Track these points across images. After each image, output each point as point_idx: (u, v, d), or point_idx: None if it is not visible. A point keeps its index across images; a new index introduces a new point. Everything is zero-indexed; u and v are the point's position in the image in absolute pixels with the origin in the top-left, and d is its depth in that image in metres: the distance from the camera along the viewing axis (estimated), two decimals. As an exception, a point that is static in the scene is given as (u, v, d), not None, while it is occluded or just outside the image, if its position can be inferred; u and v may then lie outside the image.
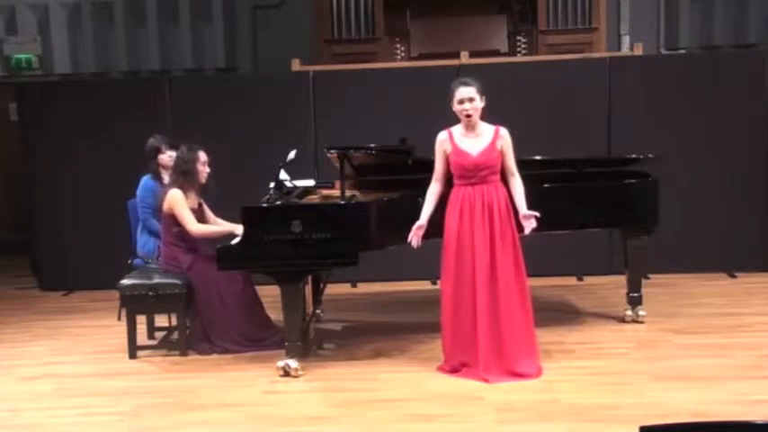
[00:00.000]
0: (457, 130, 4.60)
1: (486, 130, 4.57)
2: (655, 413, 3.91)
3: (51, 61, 9.07)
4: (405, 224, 4.57)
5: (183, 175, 5.15)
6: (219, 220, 5.35)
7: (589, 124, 6.74)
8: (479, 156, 4.51)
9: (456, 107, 4.53)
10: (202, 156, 5.20)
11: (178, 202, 5.10)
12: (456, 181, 4.59)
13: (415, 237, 4.55)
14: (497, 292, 4.47)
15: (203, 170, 5.20)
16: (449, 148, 4.56)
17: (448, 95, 4.55)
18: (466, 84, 4.52)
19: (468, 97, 4.48)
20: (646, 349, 4.93)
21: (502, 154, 4.55)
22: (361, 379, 4.61)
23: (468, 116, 4.50)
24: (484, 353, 4.45)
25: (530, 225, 4.51)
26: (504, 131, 4.57)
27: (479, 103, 4.51)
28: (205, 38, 9.06)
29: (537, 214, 4.50)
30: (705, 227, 6.77)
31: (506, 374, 4.45)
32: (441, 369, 4.64)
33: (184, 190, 5.14)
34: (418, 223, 4.56)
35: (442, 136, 4.60)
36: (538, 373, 4.50)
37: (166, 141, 5.62)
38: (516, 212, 4.56)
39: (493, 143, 4.53)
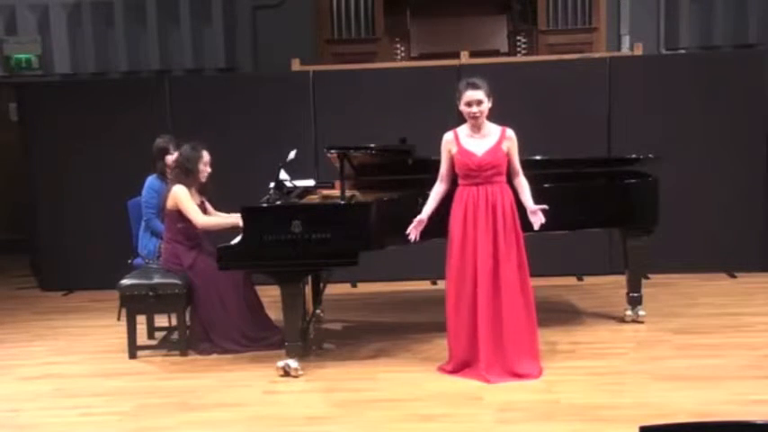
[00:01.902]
0: (463, 130, 4.59)
1: (493, 131, 4.57)
2: (655, 413, 3.91)
3: (51, 61, 9.04)
4: (405, 224, 4.56)
5: (185, 174, 5.16)
6: (222, 214, 5.36)
7: (589, 124, 6.74)
8: (484, 156, 4.50)
9: (463, 108, 4.52)
10: (206, 156, 5.21)
11: (182, 196, 5.10)
12: (461, 181, 4.58)
13: (413, 230, 4.55)
14: (500, 292, 4.47)
15: (205, 170, 5.21)
16: (454, 149, 4.55)
17: (455, 94, 4.55)
18: (475, 86, 4.48)
19: (476, 100, 4.47)
20: (646, 349, 4.93)
21: (508, 155, 4.55)
22: (360, 379, 4.61)
23: (475, 118, 4.51)
24: (485, 353, 4.45)
25: (538, 220, 4.50)
26: (510, 132, 4.57)
27: (487, 105, 4.51)
28: (205, 38, 9.05)
29: (545, 207, 4.50)
30: (705, 227, 6.76)
31: (507, 375, 4.45)
32: (442, 369, 4.64)
33: (186, 187, 5.14)
34: (419, 217, 4.55)
35: (448, 136, 4.60)
36: (539, 373, 4.50)
37: (174, 142, 5.60)
38: (522, 212, 4.55)
39: (499, 144, 4.53)
